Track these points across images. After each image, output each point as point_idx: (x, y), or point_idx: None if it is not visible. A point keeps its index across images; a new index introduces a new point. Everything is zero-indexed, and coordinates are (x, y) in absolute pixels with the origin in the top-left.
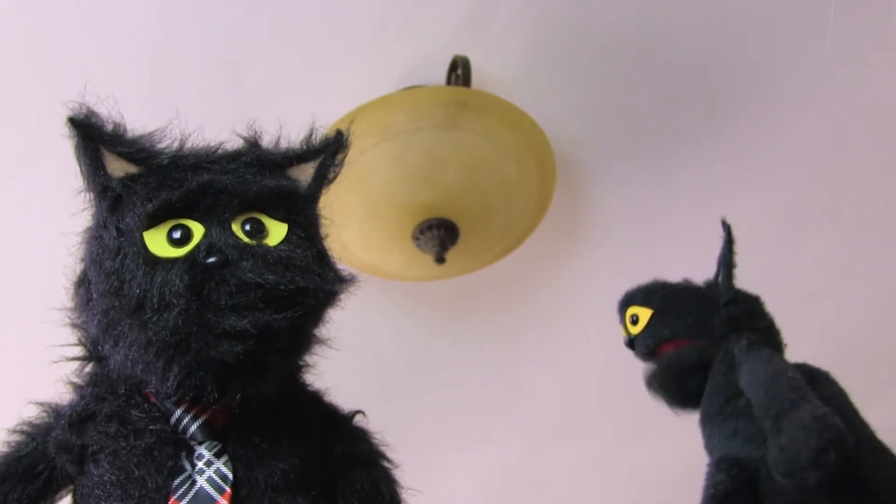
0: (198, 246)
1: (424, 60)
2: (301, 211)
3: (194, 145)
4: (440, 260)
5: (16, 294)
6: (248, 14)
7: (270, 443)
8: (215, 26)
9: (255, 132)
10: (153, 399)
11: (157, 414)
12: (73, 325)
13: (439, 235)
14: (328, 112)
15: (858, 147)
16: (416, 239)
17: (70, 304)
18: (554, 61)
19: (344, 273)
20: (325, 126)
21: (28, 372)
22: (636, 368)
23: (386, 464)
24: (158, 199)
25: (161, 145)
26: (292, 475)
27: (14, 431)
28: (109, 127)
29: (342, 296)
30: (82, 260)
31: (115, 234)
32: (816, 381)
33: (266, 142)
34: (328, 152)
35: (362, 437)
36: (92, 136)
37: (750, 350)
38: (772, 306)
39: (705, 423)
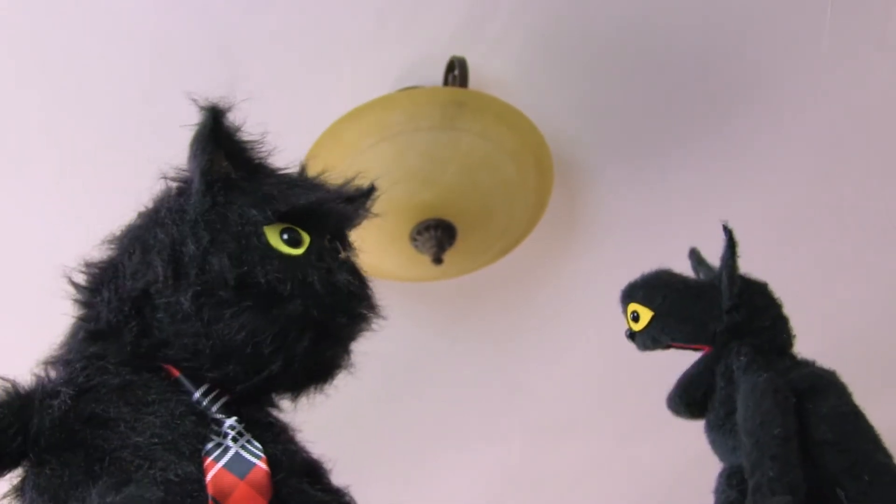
0: (309, 250)
1: (422, 61)
2: (351, 242)
3: (295, 169)
4: (438, 261)
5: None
6: (247, 14)
7: (282, 429)
8: (214, 26)
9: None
10: (175, 375)
11: (174, 388)
12: (88, 303)
13: (437, 236)
14: (327, 112)
15: (857, 146)
16: (413, 239)
17: (118, 269)
18: (552, 61)
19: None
20: (320, 129)
21: None
22: (635, 368)
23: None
24: (290, 203)
25: (265, 159)
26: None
27: None
28: (235, 128)
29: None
30: (161, 233)
31: (237, 219)
32: (816, 394)
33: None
34: (361, 201)
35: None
36: (221, 130)
37: (747, 370)
38: None
39: (709, 431)
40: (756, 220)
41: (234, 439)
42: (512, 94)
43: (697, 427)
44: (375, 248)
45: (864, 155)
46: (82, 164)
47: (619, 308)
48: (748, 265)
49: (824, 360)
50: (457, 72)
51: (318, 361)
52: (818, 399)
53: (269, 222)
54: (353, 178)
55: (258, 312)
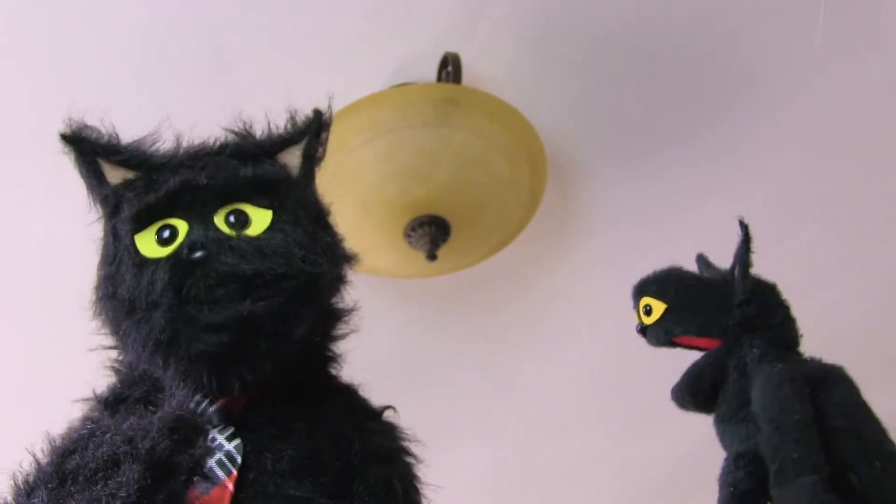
0: (182, 243)
1: (415, 57)
2: (286, 196)
3: (188, 145)
4: (432, 257)
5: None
6: (238, 11)
7: (283, 430)
8: (205, 23)
9: (244, 123)
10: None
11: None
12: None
13: (431, 232)
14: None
15: (850, 143)
16: (407, 236)
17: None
18: (544, 58)
19: (346, 252)
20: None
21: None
22: (629, 365)
23: (407, 460)
24: (141, 202)
25: (154, 149)
26: (302, 462)
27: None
28: (102, 137)
29: (342, 274)
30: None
31: (112, 239)
32: (827, 384)
33: (253, 131)
34: (311, 132)
35: (384, 432)
36: (85, 149)
37: (762, 361)
38: None
39: (719, 424)
40: (748, 216)
41: (214, 451)
42: (505, 91)
43: (690, 424)
44: (369, 244)
45: (857, 152)
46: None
47: (613, 304)
48: None
49: (821, 355)
50: (450, 68)
51: (215, 355)
52: (830, 389)
53: (135, 231)
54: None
55: (135, 330)
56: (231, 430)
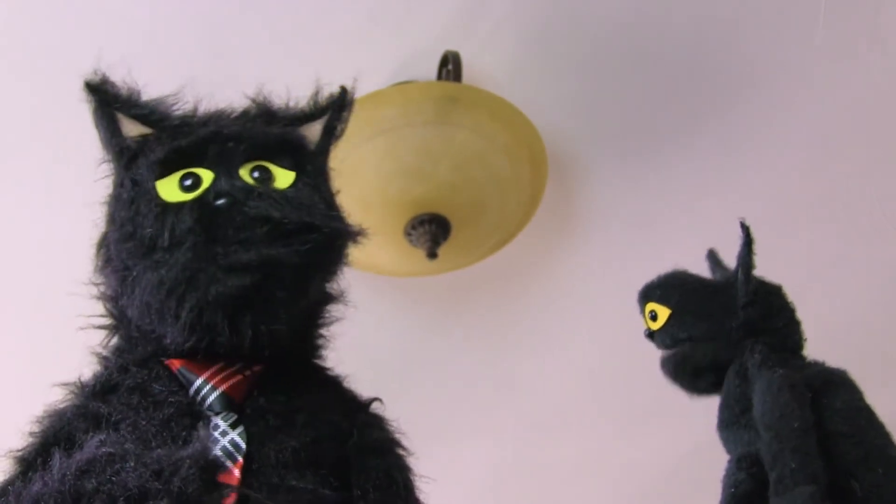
0: (207, 190)
1: (415, 56)
2: (308, 162)
3: (208, 109)
4: (432, 255)
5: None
6: (238, 10)
7: (284, 420)
8: (206, 21)
9: (264, 95)
10: (175, 369)
11: (176, 387)
12: (98, 294)
13: (431, 231)
14: None
15: (850, 140)
16: (408, 234)
17: (93, 269)
18: (545, 56)
19: (353, 228)
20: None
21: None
22: (629, 363)
23: (401, 451)
24: (171, 146)
25: (174, 108)
26: (303, 453)
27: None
28: (124, 91)
29: (351, 242)
30: (104, 222)
31: (130, 186)
32: (830, 389)
33: (279, 103)
34: (334, 109)
35: (378, 424)
36: (107, 99)
37: (762, 367)
38: None
39: (721, 429)
40: (748, 214)
41: (216, 441)
42: (506, 89)
43: (690, 423)
44: (370, 242)
45: (855, 148)
46: (72, 159)
47: (613, 303)
48: None
49: (817, 354)
50: (450, 66)
51: (234, 297)
52: (833, 394)
53: (157, 177)
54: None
55: (151, 271)
56: (234, 417)
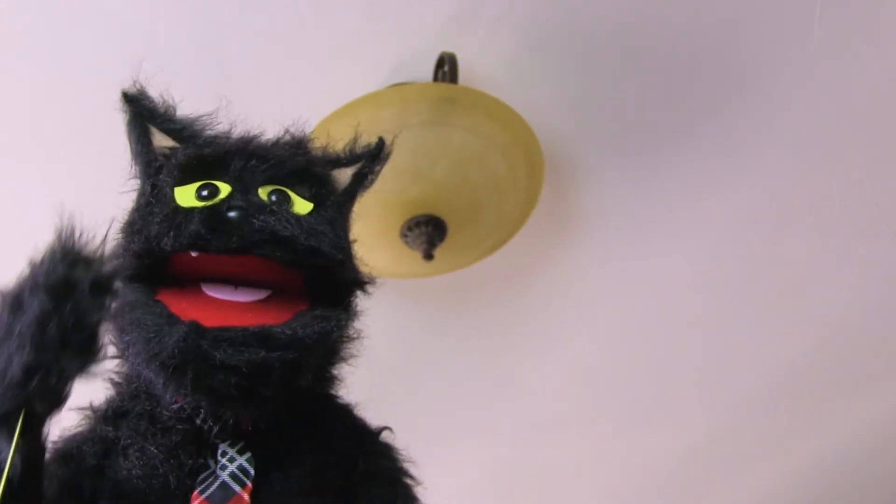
0: (222, 201)
1: (412, 57)
2: (329, 199)
3: (242, 132)
4: (428, 257)
5: None
6: (236, 11)
7: (290, 448)
8: (204, 23)
9: (303, 132)
10: (180, 400)
11: (184, 414)
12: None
13: (428, 232)
14: (316, 109)
15: (849, 140)
16: (404, 236)
17: None
18: (542, 57)
19: (364, 273)
20: (311, 126)
21: None
22: (627, 362)
23: (407, 481)
24: (195, 152)
25: (208, 128)
26: (309, 482)
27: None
28: (160, 105)
29: (359, 287)
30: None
31: (149, 191)
32: None
33: (312, 141)
34: (367, 158)
35: (386, 453)
36: (142, 111)
37: None
38: (764, 301)
39: None
40: (746, 214)
41: (224, 467)
42: (502, 90)
43: (689, 422)
44: (365, 244)
45: (853, 148)
46: (69, 159)
47: (611, 303)
48: (740, 259)
49: (814, 353)
50: (447, 68)
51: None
52: None
53: (177, 182)
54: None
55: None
56: (241, 443)
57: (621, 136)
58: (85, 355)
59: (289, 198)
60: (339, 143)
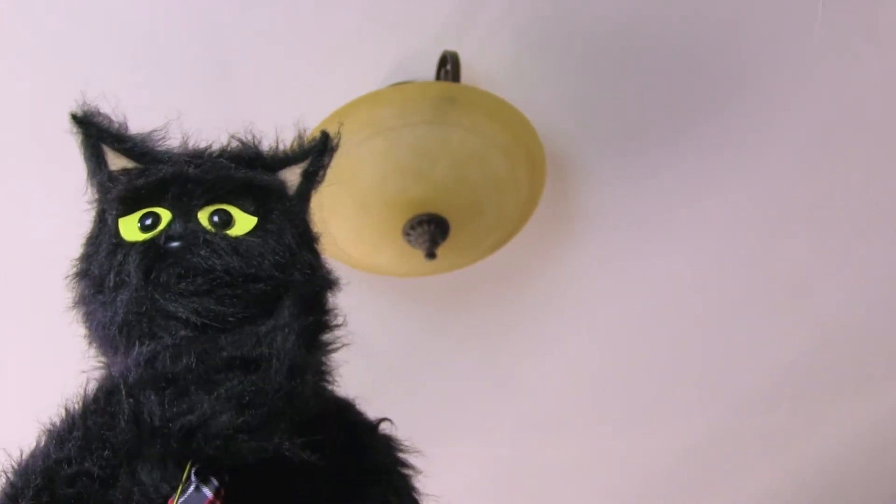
0: (161, 232)
1: (414, 56)
2: (275, 207)
3: (193, 146)
4: (431, 255)
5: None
6: (237, 10)
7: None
8: (204, 23)
9: (252, 135)
10: None
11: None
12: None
13: (430, 231)
14: (317, 108)
15: (848, 140)
16: (406, 234)
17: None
18: (543, 56)
19: (328, 276)
20: (312, 124)
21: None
22: (627, 362)
23: (404, 472)
24: (129, 186)
25: (159, 144)
26: (305, 479)
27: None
28: (111, 124)
29: (318, 294)
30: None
31: (98, 222)
32: None
33: (259, 145)
34: (314, 154)
35: (381, 448)
36: (92, 132)
37: None
38: (765, 301)
39: None
40: (746, 214)
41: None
42: (504, 89)
43: (689, 421)
44: (368, 243)
45: (853, 148)
46: (69, 159)
47: (611, 302)
48: (741, 259)
49: (816, 353)
50: (449, 66)
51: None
52: None
53: (120, 214)
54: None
55: (102, 309)
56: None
57: (622, 136)
58: None
59: (231, 217)
60: (286, 142)
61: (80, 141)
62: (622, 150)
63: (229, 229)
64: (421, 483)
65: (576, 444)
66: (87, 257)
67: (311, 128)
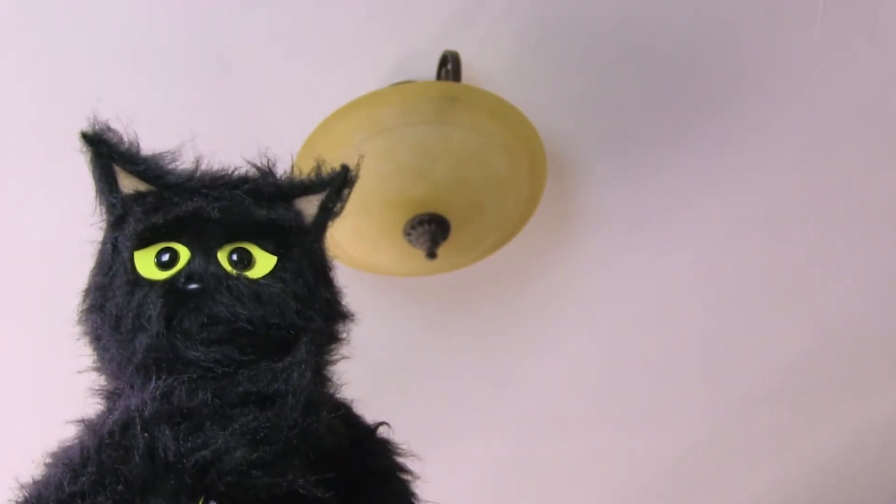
0: (180, 272)
1: (414, 55)
2: (295, 245)
3: (206, 168)
4: (431, 255)
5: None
6: (238, 10)
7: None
8: (205, 23)
9: (268, 160)
10: None
11: None
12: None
13: (430, 230)
14: (317, 108)
15: (849, 139)
16: (407, 234)
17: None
18: (544, 55)
19: (344, 309)
20: (312, 124)
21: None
22: (628, 362)
23: (402, 477)
24: (148, 222)
25: (172, 166)
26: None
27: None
28: (122, 144)
29: (336, 332)
30: (92, 265)
31: (110, 250)
32: None
33: (276, 170)
34: (333, 185)
35: (378, 452)
36: (103, 152)
37: None
38: (766, 299)
39: None
40: (747, 213)
41: None
42: (505, 89)
43: (690, 421)
44: (369, 243)
45: (854, 146)
46: (73, 161)
47: (612, 302)
48: (742, 259)
49: (818, 353)
50: (450, 66)
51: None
52: None
53: (136, 247)
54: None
55: (117, 347)
56: None
57: (624, 135)
58: None
59: (251, 257)
60: (304, 169)
61: (89, 160)
62: (623, 150)
63: (249, 270)
64: (420, 485)
65: (576, 443)
66: (101, 290)
67: (311, 128)
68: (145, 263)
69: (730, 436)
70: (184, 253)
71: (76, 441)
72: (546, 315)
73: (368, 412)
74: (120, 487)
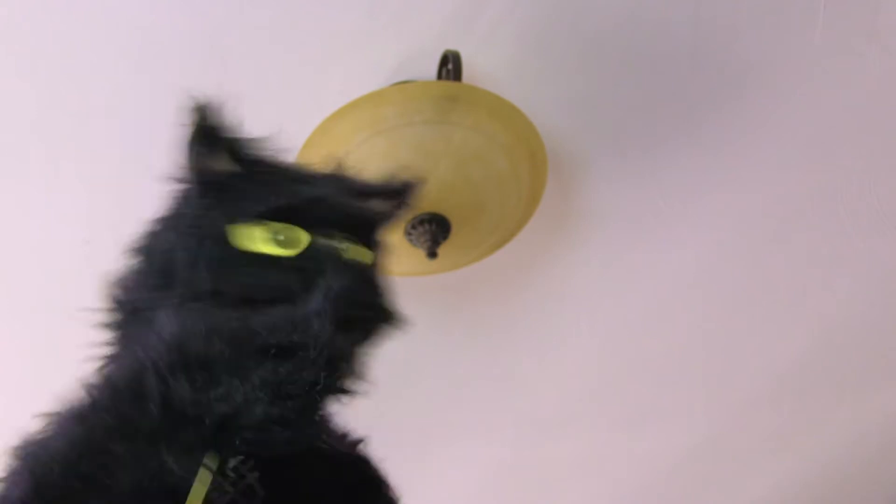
0: (305, 251)
1: (415, 55)
2: (378, 243)
3: (298, 164)
4: (432, 255)
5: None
6: (237, 9)
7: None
8: (204, 21)
9: (338, 163)
10: None
11: None
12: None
13: (431, 230)
14: (318, 108)
15: (850, 139)
16: (407, 234)
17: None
18: (545, 54)
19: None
20: (313, 124)
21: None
22: (629, 361)
23: (390, 494)
24: (272, 202)
25: (267, 154)
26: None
27: None
28: (225, 125)
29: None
30: (154, 249)
31: (222, 222)
32: None
33: (357, 175)
34: (402, 198)
35: (369, 464)
36: (207, 130)
37: None
38: (767, 299)
39: None
40: (748, 213)
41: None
42: (506, 88)
43: (691, 421)
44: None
45: (856, 148)
46: (73, 161)
47: (613, 301)
48: (742, 259)
49: (820, 352)
50: (450, 66)
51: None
52: None
53: (253, 223)
54: (385, 176)
55: (237, 321)
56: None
57: (624, 135)
58: None
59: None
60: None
61: (191, 135)
62: (624, 149)
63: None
64: (420, 485)
65: (577, 443)
66: (215, 267)
67: (312, 127)
68: (259, 240)
69: (730, 435)
70: (301, 237)
71: (86, 392)
72: (546, 315)
73: (368, 412)
74: (134, 437)
